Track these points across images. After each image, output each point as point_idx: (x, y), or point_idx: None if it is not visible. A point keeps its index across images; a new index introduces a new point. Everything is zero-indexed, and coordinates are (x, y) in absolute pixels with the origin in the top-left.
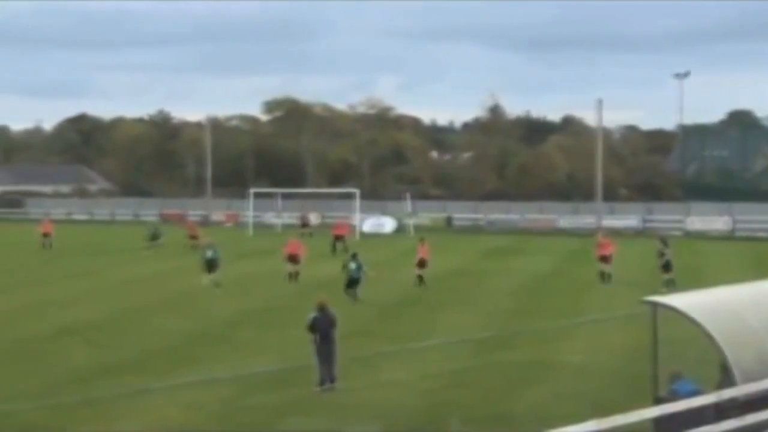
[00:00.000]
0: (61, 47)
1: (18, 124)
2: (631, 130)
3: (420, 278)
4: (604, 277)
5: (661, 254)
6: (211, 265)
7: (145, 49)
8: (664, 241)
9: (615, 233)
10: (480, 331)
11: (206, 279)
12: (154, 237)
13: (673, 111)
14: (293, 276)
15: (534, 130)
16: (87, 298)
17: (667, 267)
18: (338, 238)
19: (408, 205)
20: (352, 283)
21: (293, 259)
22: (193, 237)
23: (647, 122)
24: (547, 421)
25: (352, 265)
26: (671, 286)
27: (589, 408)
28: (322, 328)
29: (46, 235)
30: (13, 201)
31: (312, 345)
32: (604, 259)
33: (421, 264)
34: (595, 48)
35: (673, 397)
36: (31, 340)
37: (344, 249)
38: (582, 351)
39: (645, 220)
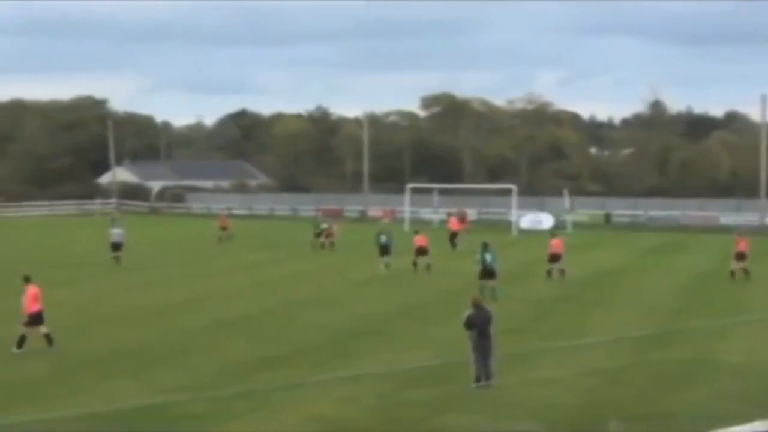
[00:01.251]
0: (223, 44)
1: (180, 119)
2: None
3: (549, 273)
4: (737, 274)
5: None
6: (384, 250)
7: (305, 46)
8: None
9: None
10: (639, 329)
11: (381, 264)
12: (319, 233)
13: None
14: (427, 268)
15: (696, 125)
16: (246, 292)
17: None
18: (454, 234)
19: (566, 201)
20: (488, 273)
21: (422, 252)
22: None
23: None
24: (709, 420)
25: (488, 256)
26: None
27: (752, 408)
28: (479, 324)
29: (224, 228)
30: (175, 196)
31: (468, 341)
32: (741, 256)
33: (554, 258)
34: (759, 42)
35: None
36: (190, 332)
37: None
38: (744, 350)
39: None
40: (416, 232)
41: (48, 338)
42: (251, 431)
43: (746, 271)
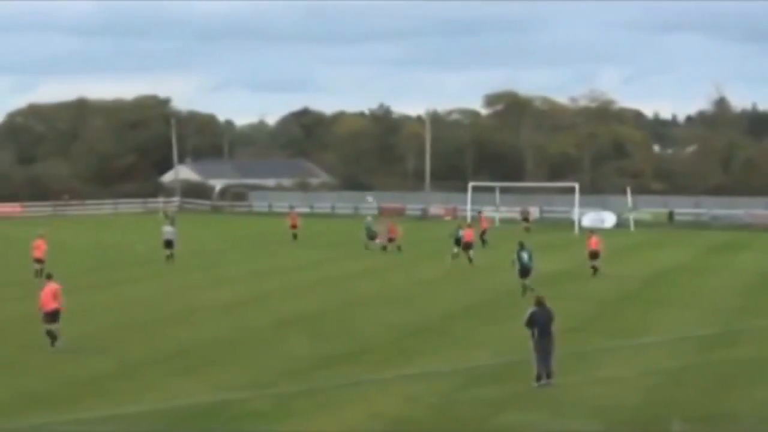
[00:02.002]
0: (285, 42)
1: (242, 118)
2: None
3: (594, 270)
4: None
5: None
6: (459, 241)
7: (367, 44)
8: None
9: None
10: (702, 329)
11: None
12: (371, 237)
13: None
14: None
15: (761, 123)
16: (308, 290)
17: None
18: (482, 232)
19: (629, 199)
20: (525, 272)
21: (469, 246)
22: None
23: None
24: None
25: (524, 255)
26: None
27: None
28: (541, 322)
29: (293, 227)
30: (238, 194)
31: (530, 340)
32: (594, 254)
33: (593, 255)
34: None
35: None
36: (252, 330)
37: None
38: None
39: None
40: (468, 226)
41: (51, 335)
42: (313, 429)
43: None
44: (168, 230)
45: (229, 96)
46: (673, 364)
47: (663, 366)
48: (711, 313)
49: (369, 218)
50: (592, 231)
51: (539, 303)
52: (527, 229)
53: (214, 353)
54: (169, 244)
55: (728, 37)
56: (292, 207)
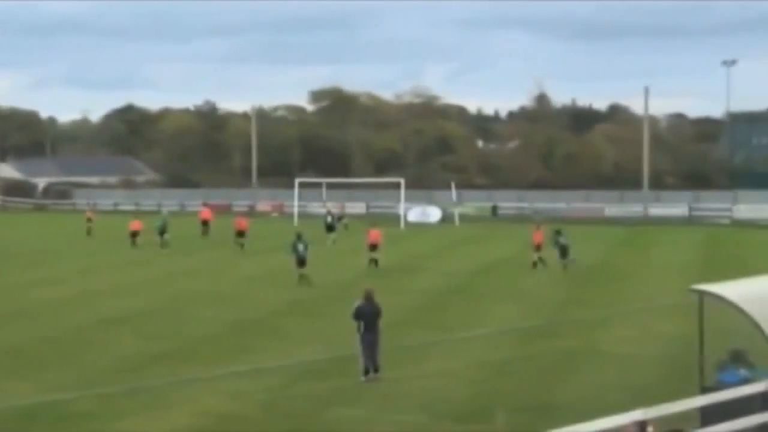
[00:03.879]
0: (109, 38)
1: (65, 115)
2: (678, 118)
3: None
4: (536, 264)
5: (556, 242)
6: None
7: (193, 40)
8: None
9: (662, 221)
10: (526, 321)
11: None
12: (162, 231)
13: (721, 99)
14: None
15: (580, 118)
16: (135, 288)
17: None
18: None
19: (453, 194)
20: (303, 262)
21: (374, 247)
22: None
23: (695, 110)
24: (593, 410)
25: (300, 246)
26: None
27: (635, 397)
28: (367, 316)
29: (89, 220)
30: (62, 192)
31: (356, 334)
32: (539, 247)
33: (373, 248)
34: (642, 35)
35: (719, 386)
36: (78, 330)
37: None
38: (628, 340)
39: (692, 209)
40: (372, 226)
41: None
42: (140, 429)
43: (543, 260)
44: None
45: (51, 93)
46: (498, 356)
47: (488, 358)
48: (534, 306)
49: (165, 212)
50: (373, 224)
51: (368, 297)
52: (346, 226)
53: (39, 353)
54: None
55: (550, 34)
56: (89, 204)
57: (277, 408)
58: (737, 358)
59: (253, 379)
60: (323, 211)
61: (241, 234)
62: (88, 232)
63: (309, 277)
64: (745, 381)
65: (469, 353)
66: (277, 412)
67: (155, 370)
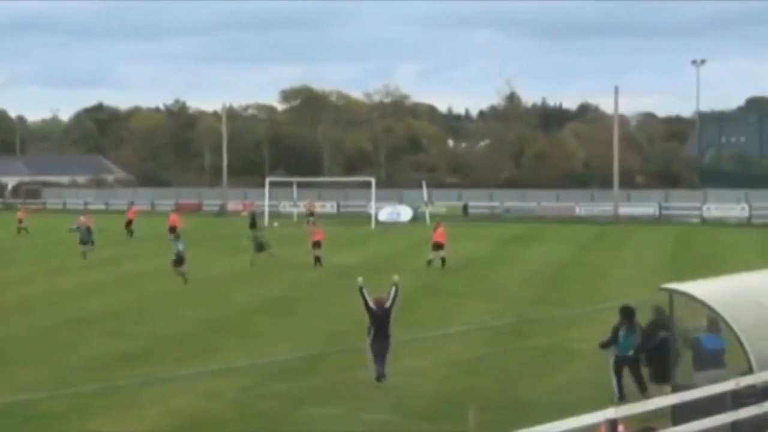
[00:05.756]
0: (79, 37)
1: (35, 114)
2: (648, 117)
3: (442, 261)
4: (431, 263)
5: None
6: (260, 247)
7: (163, 39)
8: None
9: (632, 220)
10: (497, 319)
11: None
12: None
13: (691, 98)
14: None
15: (550, 117)
16: (105, 287)
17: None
18: (172, 229)
19: (424, 193)
20: (181, 261)
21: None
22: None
23: (665, 109)
24: (564, 408)
25: (180, 245)
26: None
27: (606, 396)
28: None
29: (20, 221)
30: (31, 191)
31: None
32: (438, 246)
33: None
34: (612, 35)
35: (695, 346)
36: (48, 329)
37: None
38: (599, 338)
39: (662, 207)
40: (438, 223)
41: None
42: (111, 429)
43: (443, 260)
44: None
45: (21, 91)
46: (469, 355)
47: (459, 356)
48: (505, 304)
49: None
50: (314, 223)
51: (378, 303)
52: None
53: (8, 353)
54: None
55: (521, 33)
56: (21, 203)
57: (249, 407)
58: (714, 326)
59: (225, 378)
60: (294, 210)
61: (173, 230)
62: (19, 232)
63: (185, 275)
64: (722, 351)
65: (441, 352)
66: (249, 411)
67: (126, 370)
